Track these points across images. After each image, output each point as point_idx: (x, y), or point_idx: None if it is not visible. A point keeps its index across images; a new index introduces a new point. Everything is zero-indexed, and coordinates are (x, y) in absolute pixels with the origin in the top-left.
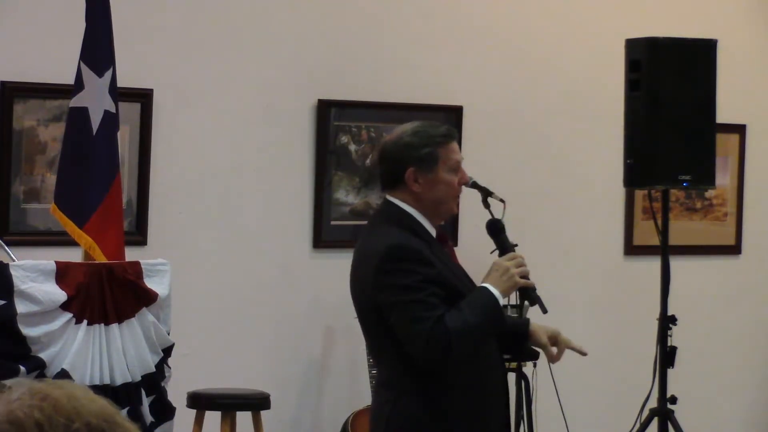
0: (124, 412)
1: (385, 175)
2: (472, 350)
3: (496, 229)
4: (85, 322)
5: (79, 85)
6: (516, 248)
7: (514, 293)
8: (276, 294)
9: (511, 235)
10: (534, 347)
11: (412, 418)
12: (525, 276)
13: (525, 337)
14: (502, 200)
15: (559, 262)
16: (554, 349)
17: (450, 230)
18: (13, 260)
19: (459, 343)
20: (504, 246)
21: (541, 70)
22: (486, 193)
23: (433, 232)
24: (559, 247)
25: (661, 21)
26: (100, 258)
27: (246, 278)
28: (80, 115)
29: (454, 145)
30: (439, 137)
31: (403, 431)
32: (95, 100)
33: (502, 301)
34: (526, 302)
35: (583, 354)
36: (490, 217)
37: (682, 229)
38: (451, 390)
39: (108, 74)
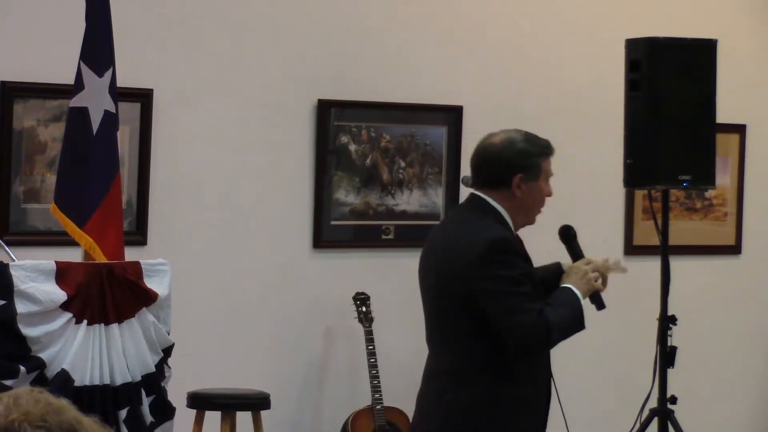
0: (124, 412)
1: (489, 175)
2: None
3: (568, 235)
4: (85, 322)
5: (79, 85)
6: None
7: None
8: (276, 294)
9: None
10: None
11: (473, 405)
12: (597, 280)
13: (560, 278)
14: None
15: (559, 262)
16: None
17: None
18: (13, 260)
19: (556, 337)
20: (576, 251)
21: (541, 70)
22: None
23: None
24: (559, 246)
25: (661, 21)
26: (100, 258)
27: (246, 278)
28: (80, 115)
29: (551, 158)
30: (547, 149)
31: (464, 417)
32: (95, 100)
33: (582, 302)
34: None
35: (624, 270)
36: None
37: (682, 229)
38: (510, 381)
39: (108, 74)
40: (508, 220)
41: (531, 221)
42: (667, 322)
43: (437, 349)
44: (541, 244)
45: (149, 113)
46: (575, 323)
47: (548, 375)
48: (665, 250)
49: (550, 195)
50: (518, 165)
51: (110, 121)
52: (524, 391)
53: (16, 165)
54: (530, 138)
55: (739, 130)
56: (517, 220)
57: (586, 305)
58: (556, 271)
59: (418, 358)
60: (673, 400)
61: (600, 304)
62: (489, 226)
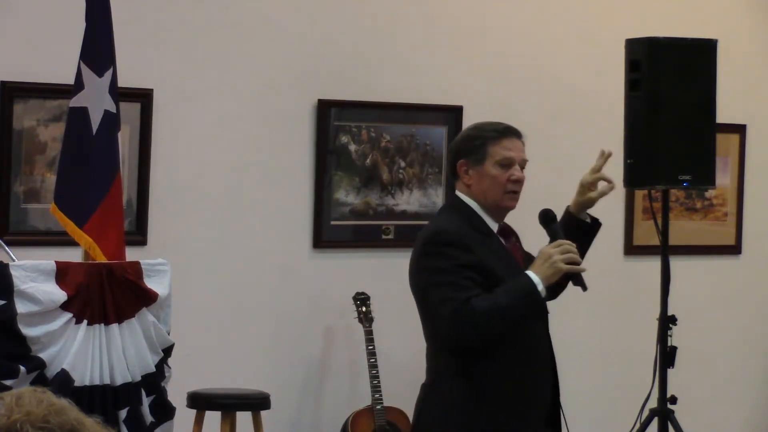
0: (124, 412)
1: (448, 167)
2: (501, 333)
3: (547, 218)
4: (85, 322)
5: (79, 85)
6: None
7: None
8: (276, 294)
9: None
10: (592, 206)
11: (446, 400)
12: (573, 262)
13: (576, 219)
14: None
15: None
16: (598, 187)
17: None
18: (13, 260)
19: (484, 325)
20: (554, 235)
21: (541, 70)
22: None
23: (493, 224)
24: None
25: (661, 21)
26: (100, 258)
27: (246, 278)
28: (80, 115)
29: (507, 142)
30: (491, 132)
31: (436, 412)
32: (95, 100)
33: (542, 287)
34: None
35: (610, 185)
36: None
37: (682, 229)
38: (488, 376)
39: (108, 74)
40: (479, 212)
41: (503, 205)
42: (667, 322)
43: (426, 345)
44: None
45: (149, 113)
46: (519, 306)
47: (548, 372)
48: (665, 250)
49: (511, 179)
50: (460, 151)
51: (110, 121)
52: (503, 385)
53: (16, 165)
54: (479, 125)
55: (739, 130)
56: (487, 209)
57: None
58: (567, 218)
59: (418, 358)
60: (673, 400)
61: (581, 285)
62: (437, 219)
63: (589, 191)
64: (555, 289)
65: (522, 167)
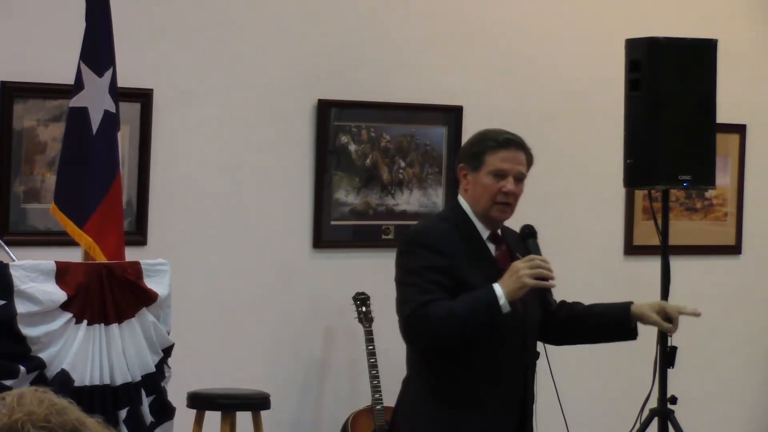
0: (124, 412)
1: (454, 171)
2: (456, 339)
3: (523, 234)
4: (85, 322)
5: (79, 85)
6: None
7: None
8: (276, 294)
9: None
10: (645, 324)
11: (414, 398)
12: (541, 278)
13: (627, 319)
14: None
15: (559, 261)
16: (669, 325)
17: None
18: (13, 260)
19: (436, 331)
20: (530, 250)
21: (541, 70)
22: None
23: (484, 231)
24: (560, 247)
25: (661, 21)
26: (100, 258)
27: (246, 278)
28: (80, 115)
29: (505, 153)
30: (491, 141)
31: (407, 410)
32: (95, 100)
33: (504, 300)
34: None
35: (697, 314)
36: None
37: (682, 229)
38: (449, 379)
39: (108, 74)
40: (472, 217)
41: (491, 215)
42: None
43: None
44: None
45: (149, 113)
46: (475, 316)
47: (525, 375)
48: (665, 250)
49: (501, 190)
50: (462, 155)
51: (110, 121)
52: (472, 390)
53: (16, 165)
54: (485, 132)
55: (739, 130)
56: (478, 213)
57: None
58: (622, 310)
59: None
60: (673, 400)
61: (547, 303)
62: (424, 220)
63: (658, 316)
64: (545, 307)
65: (518, 179)
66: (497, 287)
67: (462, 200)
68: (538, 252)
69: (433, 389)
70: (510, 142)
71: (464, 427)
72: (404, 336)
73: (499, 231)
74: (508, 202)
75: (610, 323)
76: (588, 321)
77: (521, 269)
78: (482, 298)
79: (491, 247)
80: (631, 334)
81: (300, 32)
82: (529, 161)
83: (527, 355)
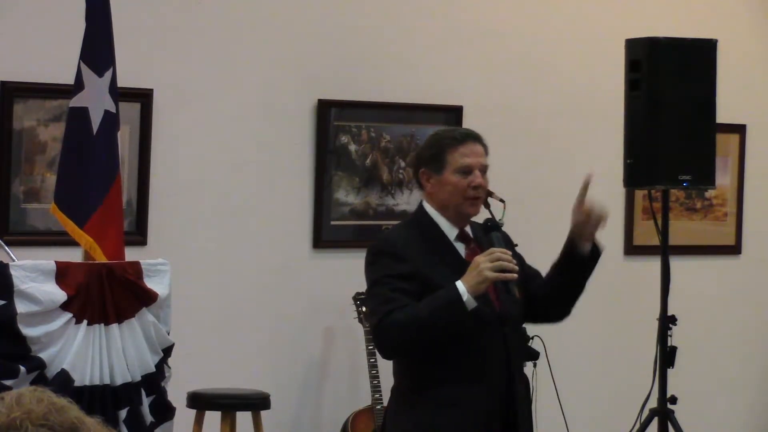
0: (124, 412)
1: (413, 177)
2: (423, 342)
3: (486, 227)
4: (85, 322)
5: (79, 85)
6: (516, 247)
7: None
8: (276, 294)
9: (511, 234)
10: (585, 232)
11: (400, 404)
12: (503, 270)
13: (574, 244)
14: (502, 200)
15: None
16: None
17: None
18: (13, 260)
19: (400, 337)
20: (491, 243)
21: (541, 70)
22: (486, 193)
23: (451, 231)
24: (560, 246)
25: (661, 21)
26: (100, 258)
27: (246, 278)
28: (80, 115)
29: (464, 148)
30: (447, 140)
31: (393, 417)
32: (95, 100)
33: (467, 296)
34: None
35: (588, 182)
36: (488, 216)
37: (682, 229)
38: (434, 380)
39: (108, 74)
40: (437, 219)
41: (464, 212)
42: (667, 322)
43: None
44: (541, 246)
45: (149, 113)
46: (440, 315)
47: (505, 379)
48: (665, 250)
49: (471, 185)
50: (420, 160)
51: (110, 121)
52: (451, 396)
53: (16, 165)
54: (439, 132)
55: (739, 130)
56: (447, 215)
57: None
58: (565, 243)
59: None
60: (673, 400)
61: (511, 294)
62: (389, 229)
63: (584, 226)
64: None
65: (482, 172)
66: (459, 284)
67: (426, 205)
68: (501, 245)
69: (416, 393)
70: (467, 136)
71: (447, 428)
72: (375, 347)
73: (467, 228)
74: (478, 196)
75: (568, 260)
76: (556, 276)
77: (482, 263)
78: (444, 297)
79: (460, 246)
80: (592, 254)
81: (300, 32)
82: (486, 152)
83: (510, 352)
